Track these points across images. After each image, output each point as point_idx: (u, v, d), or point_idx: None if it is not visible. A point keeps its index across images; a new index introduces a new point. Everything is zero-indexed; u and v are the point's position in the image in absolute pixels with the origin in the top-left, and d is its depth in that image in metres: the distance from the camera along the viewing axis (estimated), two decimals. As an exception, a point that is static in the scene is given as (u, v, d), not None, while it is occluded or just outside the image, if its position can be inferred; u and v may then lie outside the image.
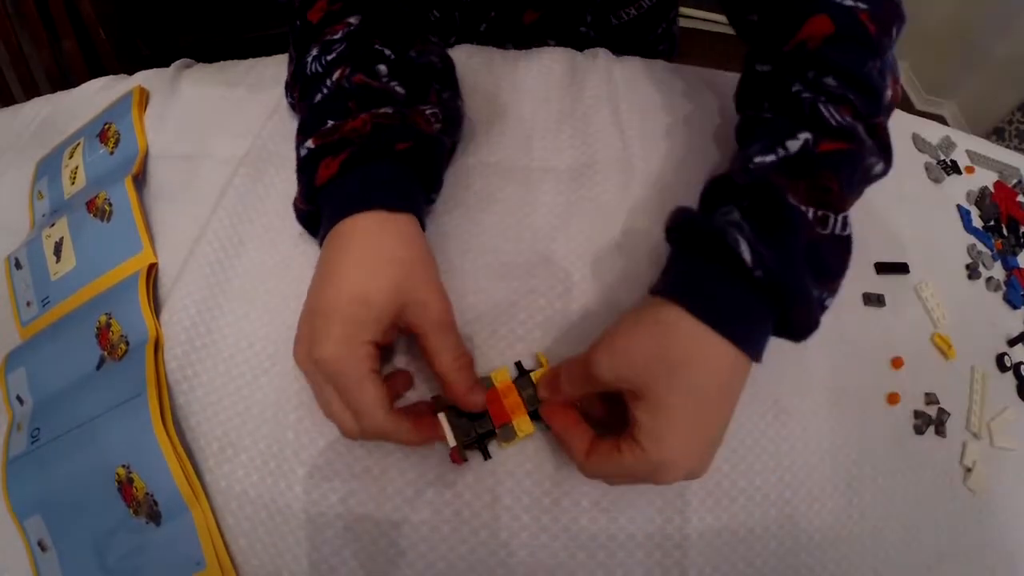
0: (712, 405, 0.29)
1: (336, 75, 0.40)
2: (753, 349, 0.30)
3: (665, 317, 0.29)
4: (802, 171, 0.32)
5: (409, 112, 0.38)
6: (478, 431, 0.34)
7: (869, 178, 0.36)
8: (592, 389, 0.32)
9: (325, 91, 0.39)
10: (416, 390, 0.37)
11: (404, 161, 0.36)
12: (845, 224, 0.32)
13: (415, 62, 0.42)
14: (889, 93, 0.36)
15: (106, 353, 0.39)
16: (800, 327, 0.31)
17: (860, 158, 0.34)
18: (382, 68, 0.40)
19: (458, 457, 0.34)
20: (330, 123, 0.37)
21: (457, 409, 0.34)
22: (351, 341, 0.31)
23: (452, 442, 0.33)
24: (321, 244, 0.36)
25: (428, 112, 0.39)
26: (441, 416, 0.34)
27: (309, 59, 0.41)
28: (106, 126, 0.50)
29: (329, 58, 0.40)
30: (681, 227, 0.33)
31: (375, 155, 0.35)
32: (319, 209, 0.37)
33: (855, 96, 0.34)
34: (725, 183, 0.33)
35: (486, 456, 0.35)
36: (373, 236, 0.34)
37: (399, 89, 0.39)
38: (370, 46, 0.41)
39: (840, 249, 0.32)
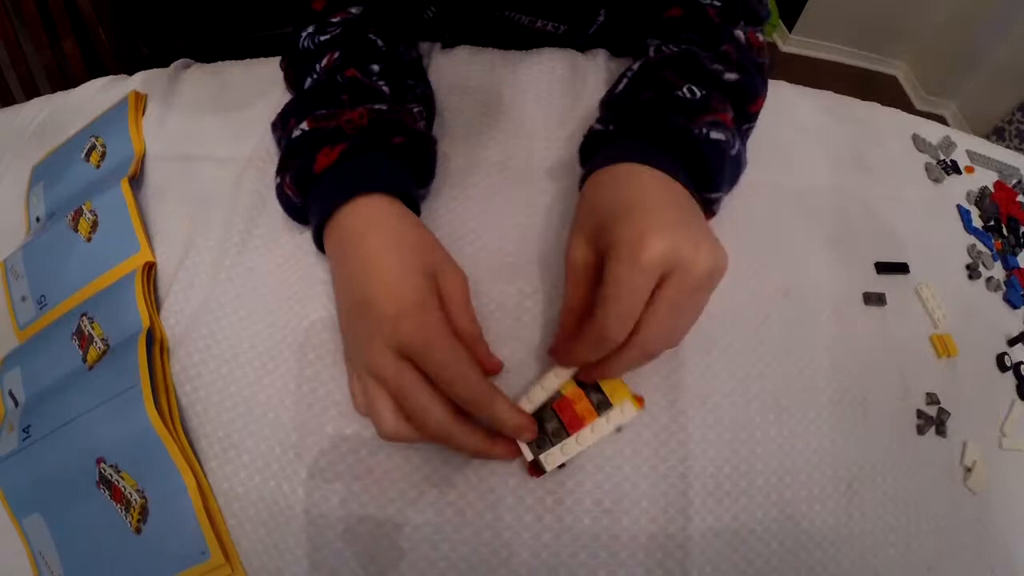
0: None
1: (325, 60, 0.42)
2: None
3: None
4: (647, 76, 0.43)
5: (400, 109, 0.40)
6: (553, 442, 0.34)
7: (721, 83, 0.41)
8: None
9: (315, 76, 0.42)
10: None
11: (398, 155, 0.38)
12: (692, 91, 0.39)
13: (402, 60, 0.45)
14: (741, 35, 0.44)
15: (95, 350, 0.39)
16: None
17: (696, 60, 0.41)
18: (375, 67, 0.42)
19: (534, 470, 0.34)
20: (324, 111, 0.38)
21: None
22: (427, 309, 0.32)
23: (529, 456, 0.34)
24: (317, 234, 0.38)
25: (415, 110, 0.42)
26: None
27: (304, 35, 0.43)
28: (93, 140, 0.50)
29: (323, 38, 0.43)
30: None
31: (372, 146, 0.37)
32: (306, 199, 0.38)
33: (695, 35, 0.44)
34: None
35: (560, 465, 0.34)
36: (386, 217, 0.36)
37: (385, 88, 0.42)
38: (364, 34, 0.43)
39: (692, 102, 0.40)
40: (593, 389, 0.35)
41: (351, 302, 0.34)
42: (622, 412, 0.35)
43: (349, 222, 0.36)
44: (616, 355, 0.32)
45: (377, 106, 0.39)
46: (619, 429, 0.36)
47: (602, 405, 0.35)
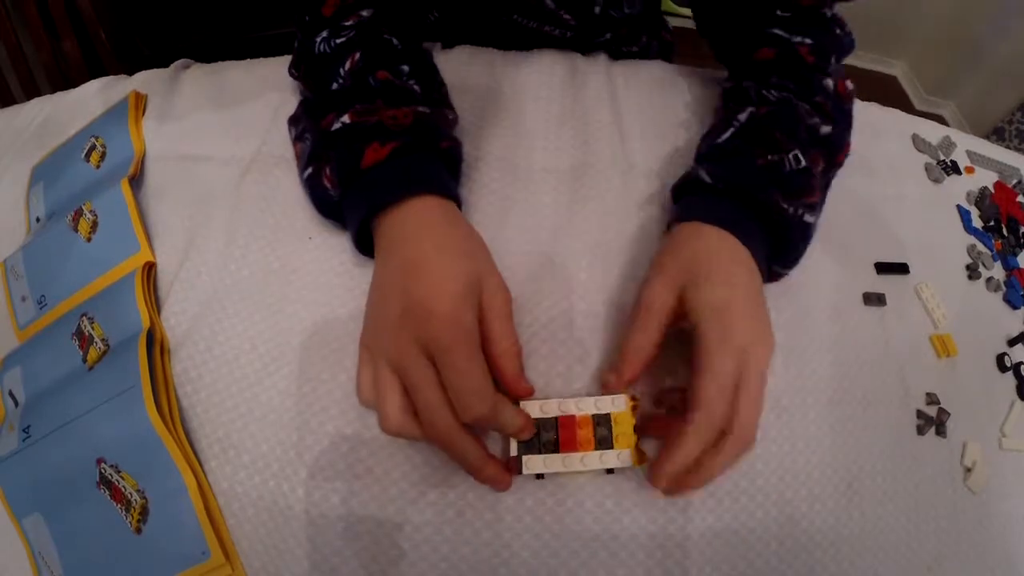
0: None
1: (348, 63, 0.41)
2: None
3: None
4: (758, 133, 0.41)
5: (439, 113, 0.41)
6: (541, 451, 0.34)
7: (817, 138, 0.42)
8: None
9: (342, 79, 0.41)
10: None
11: (443, 159, 0.39)
12: (798, 160, 0.39)
13: (427, 59, 0.45)
14: (830, 84, 0.44)
15: (95, 350, 0.39)
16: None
17: (798, 116, 0.41)
18: (404, 68, 0.42)
19: (515, 467, 0.33)
20: (363, 106, 0.39)
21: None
22: (462, 314, 0.32)
23: (513, 451, 0.33)
24: (360, 226, 0.37)
25: (451, 116, 0.43)
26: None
27: (318, 39, 0.43)
28: (93, 140, 0.50)
29: (339, 41, 0.42)
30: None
31: (423, 147, 0.38)
32: (343, 194, 0.38)
33: (791, 82, 0.44)
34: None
35: (538, 476, 0.34)
36: (441, 220, 0.36)
37: (416, 87, 0.42)
38: (380, 35, 0.43)
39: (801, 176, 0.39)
40: (603, 423, 0.34)
41: (391, 289, 0.34)
42: (619, 458, 0.34)
43: (402, 219, 0.36)
44: (716, 448, 0.31)
45: (421, 108, 0.39)
46: (611, 471, 0.35)
47: (603, 443, 0.34)
